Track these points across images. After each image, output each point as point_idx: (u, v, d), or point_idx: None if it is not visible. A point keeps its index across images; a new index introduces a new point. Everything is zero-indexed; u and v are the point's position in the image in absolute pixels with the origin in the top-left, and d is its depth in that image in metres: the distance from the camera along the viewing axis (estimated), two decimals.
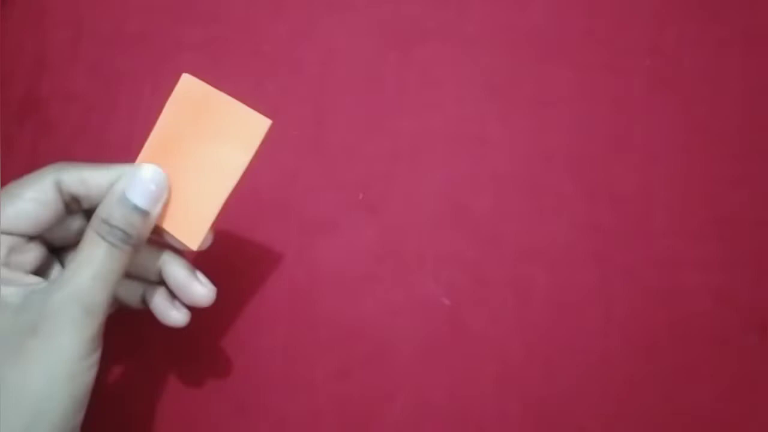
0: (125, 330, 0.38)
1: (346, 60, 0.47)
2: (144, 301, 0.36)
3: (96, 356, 0.30)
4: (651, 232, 0.43)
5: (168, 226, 0.34)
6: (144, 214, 0.32)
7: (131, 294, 0.37)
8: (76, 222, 0.34)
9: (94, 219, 0.31)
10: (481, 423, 0.40)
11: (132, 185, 0.32)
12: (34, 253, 0.33)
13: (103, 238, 0.31)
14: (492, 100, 0.46)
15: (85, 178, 0.32)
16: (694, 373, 0.41)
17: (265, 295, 0.42)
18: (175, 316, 0.35)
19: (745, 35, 0.46)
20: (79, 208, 0.34)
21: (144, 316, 0.36)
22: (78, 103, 0.46)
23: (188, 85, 0.34)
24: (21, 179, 0.33)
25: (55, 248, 0.35)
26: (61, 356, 0.29)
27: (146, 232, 0.32)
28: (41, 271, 0.34)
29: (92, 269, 0.30)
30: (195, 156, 0.33)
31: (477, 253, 0.43)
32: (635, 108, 0.45)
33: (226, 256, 0.42)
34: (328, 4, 0.48)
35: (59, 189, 0.32)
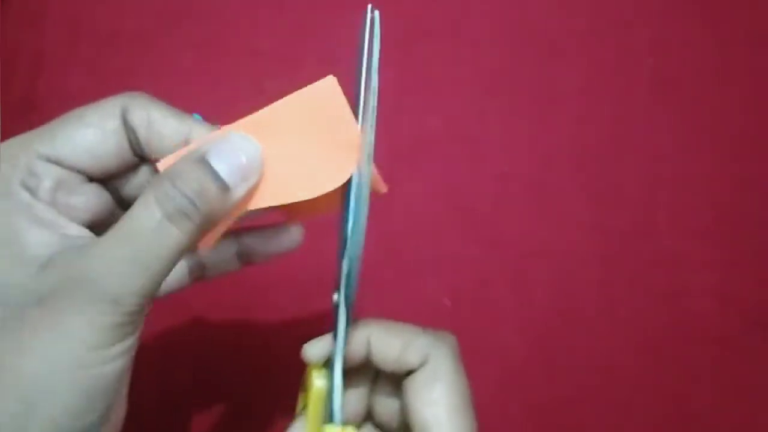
0: None
1: (346, 60, 0.47)
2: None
3: (119, 348, 0.23)
4: (654, 232, 0.43)
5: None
6: (223, 189, 0.24)
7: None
8: (147, 176, 0.28)
9: (156, 176, 0.24)
10: (483, 424, 0.40)
11: (216, 149, 0.24)
12: (91, 199, 0.26)
13: (159, 203, 0.23)
14: (493, 100, 0.45)
15: (153, 120, 0.26)
16: (696, 373, 0.41)
17: (265, 298, 0.42)
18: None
19: (748, 35, 0.46)
20: (146, 158, 0.27)
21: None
22: (76, 103, 0.45)
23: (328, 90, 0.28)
24: (88, 104, 0.27)
25: (124, 204, 0.28)
26: (66, 340, 0.22)
27: (219, 216, 0.25)
28: (99, 226, 0.26)
29: (133, 246, 0.23)
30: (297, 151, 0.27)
31: (478, 254, 0.43)
32: (638, 107, 0.45)
33: None
34: (327, 3, 0.48)
35: (125, 121, 0.26)
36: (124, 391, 0.26)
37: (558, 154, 0.44)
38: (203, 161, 0.24)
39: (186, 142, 0.26)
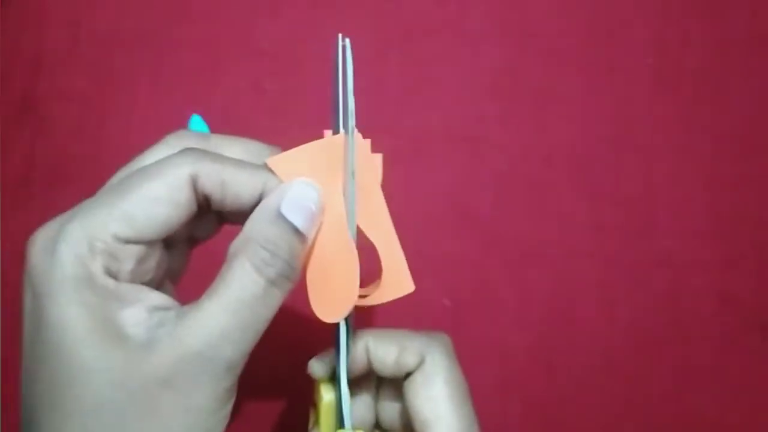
0: None
1: None
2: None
3: (230, 405, 0.25)
4: (653, 232, 0.43)
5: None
6: (303, 241, 0.26)
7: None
8: (203, 218, 0.28)
9: (245, 243, 0.25)
10: (483, 424, 0.40)
11: (288, 202, 0.26)
12: (161, 260, 0.27)
13: (259, 272, 0.24)
14: (493, 100, 0.45)
15: (226, 181, 0.26)
16: (696, 373, 0.41)
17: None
18: None
19: (747, 34, 0.46)
20: (207, 209, 0.27)
21: None
22: (75, 103, 0.46)
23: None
24: (148, 166, 0.26)
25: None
26: (197, 414, 0.24)
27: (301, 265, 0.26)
28: (155, 275, 0.27)
29: (242, 314, 0.24)
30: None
31: (478, 254, 0.43)
32: (637, 107, 0.45)
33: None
34: (328, 2, 0.48)
35: (194, 187, 0.26)
36: None
37: (558, 154, 0.44)
38: (282, 218, 0.25)
39: (261, 195, 0.27)
